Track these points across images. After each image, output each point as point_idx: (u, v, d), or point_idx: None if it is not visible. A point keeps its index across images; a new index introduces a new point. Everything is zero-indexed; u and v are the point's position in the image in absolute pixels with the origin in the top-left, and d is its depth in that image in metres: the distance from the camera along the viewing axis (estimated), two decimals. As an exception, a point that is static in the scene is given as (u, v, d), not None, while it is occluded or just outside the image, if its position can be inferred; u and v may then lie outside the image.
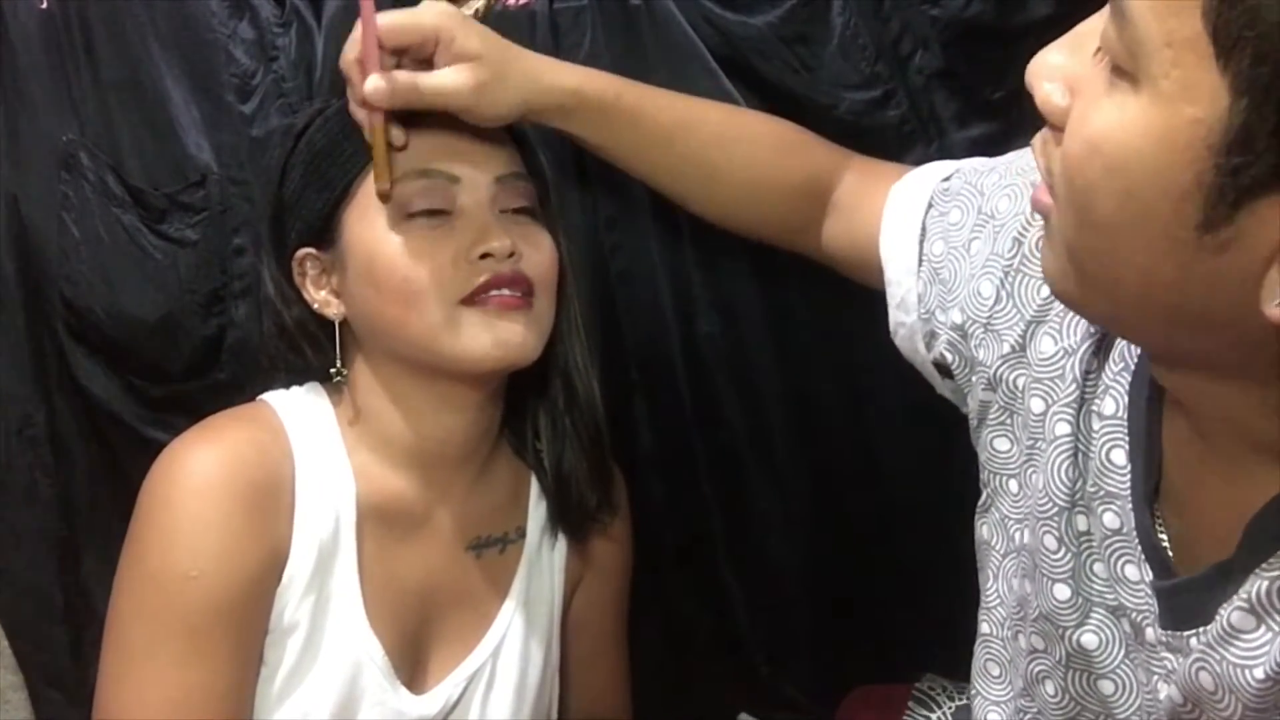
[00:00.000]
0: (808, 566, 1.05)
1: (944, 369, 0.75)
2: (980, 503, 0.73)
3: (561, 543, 0.91)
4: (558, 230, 0.84)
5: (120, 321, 1.00)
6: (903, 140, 0.93)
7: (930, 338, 0.75)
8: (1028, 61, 0.52)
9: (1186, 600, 0.57)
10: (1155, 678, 0.59)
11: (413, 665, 0.82)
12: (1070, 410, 0.64)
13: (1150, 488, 0.59)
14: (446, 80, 0.77)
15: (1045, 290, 0.66)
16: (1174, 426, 0.58)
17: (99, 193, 1.00)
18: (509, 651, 0.86)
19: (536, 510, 0.90)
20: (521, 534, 0.89)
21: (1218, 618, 0.54)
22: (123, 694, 0.72)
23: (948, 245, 0.74)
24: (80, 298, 1.01)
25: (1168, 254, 0.46)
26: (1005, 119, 0.91)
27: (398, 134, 0.77)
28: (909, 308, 0.77)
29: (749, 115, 0.90)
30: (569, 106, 0.83)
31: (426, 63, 0.78)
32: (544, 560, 0.90)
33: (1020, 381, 0.67)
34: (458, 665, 0.84)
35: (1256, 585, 0.51)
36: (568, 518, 0.89)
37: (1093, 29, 0.49)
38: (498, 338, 0.76)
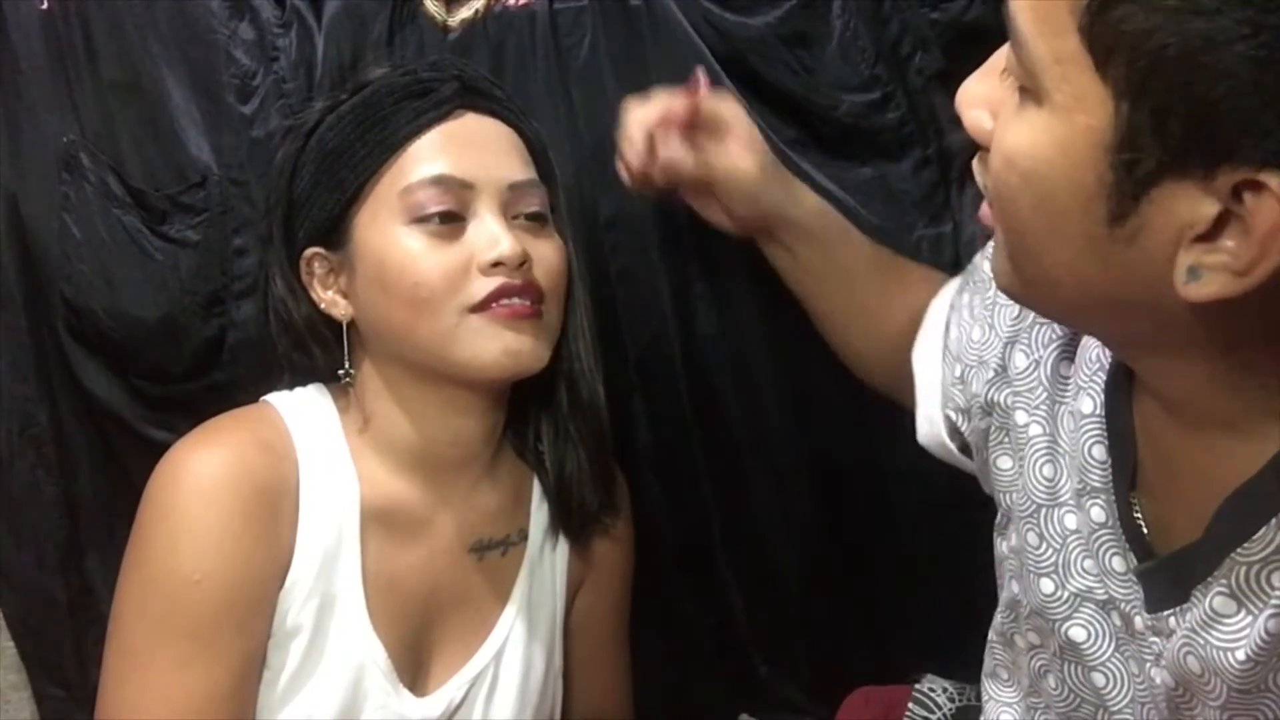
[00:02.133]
0: (808, 566, 1.06)
1: (963, 442, 0.77)
2: (997, 521, 0.74)
3: (563, 545, 0.91)
4: (566, 236, 0.84)
5: (121, 322, 1.01)
6: (902, 142, 0.93)
7: (947, 419, 0.77)
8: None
9: (1163, 581, 0.58)
10: (1148, 665, 0.61)
11: (415, 668, 0.82)
12: (1041, 412, 0.67)
13: (1127, 477, 0.61)
14: (741, 161, 0.84)
15: (1014, 311, 0.70)
16: (1145, 413, 0.60)
17: (100, 193, 1.00)
18: (511, 654, 0.86)
19: (538, 513, 0.90)
20: (523, 536, 0.89)
21: (1194, 598, 0.55)
22: (125, 696, 0.73)
23: (959, 323, 0.77)
24: (81, 298, 1.01)
25: (1087, 250, 0.50)
26: (1005, 120, 0.91)
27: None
28: (931, 398, 0.80)
29: (903, 260, 0.93)
30: (810, 227, 0.88)
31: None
32: (546, 562, 0.90)
33: (1007, 399, 0.70)
34: (460, 668, 0.84)
35: (1236, 570, 0.53)
36: (570, 520, 0.89)
37: (1005, 56, 0.54)
38: (507, 347, 0.76)
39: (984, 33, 0.89)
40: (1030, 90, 0.50)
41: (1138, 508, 0.61)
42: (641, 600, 1.00)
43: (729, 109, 0.86)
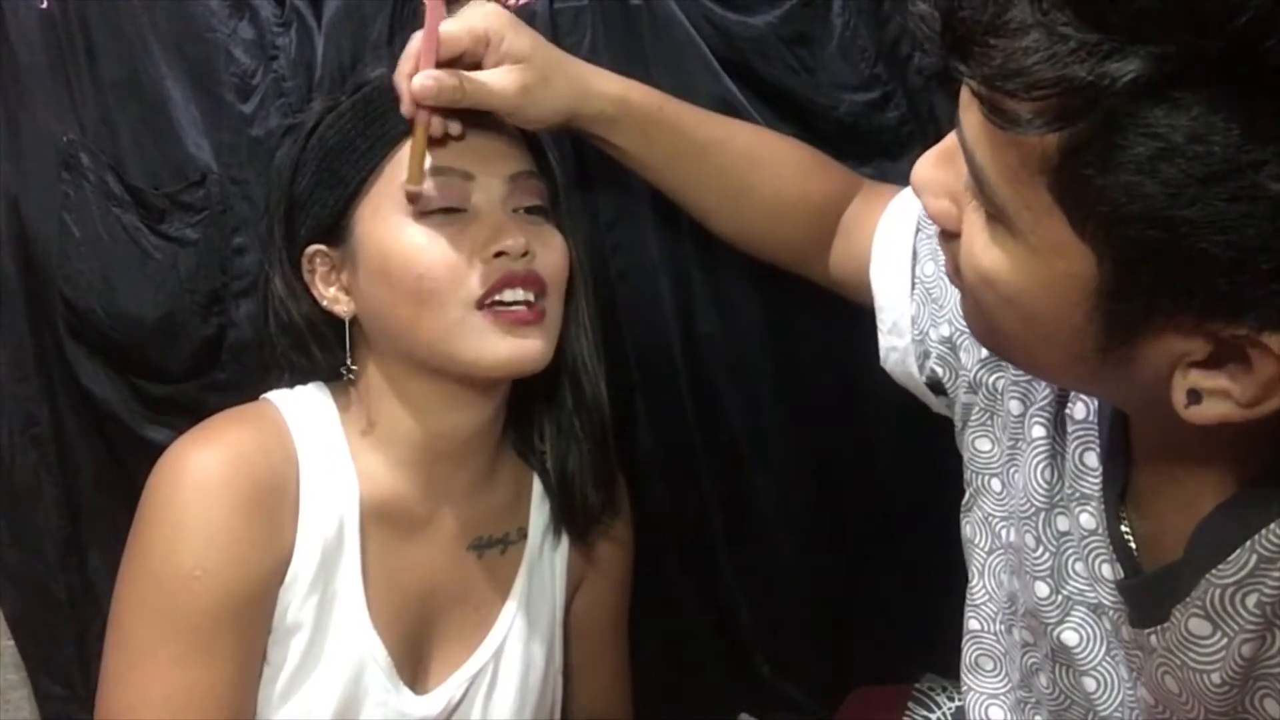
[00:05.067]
0: (808, 566, 1.06)
1: (937, 386, 0.77)
2: (964, 502, 0.74)
3: (564, 544, 0.91)
4: (568, 231, 0.84)
5: (120, 321, 1.01)
6: (902, 141, 0.93)
7: (923, 358, 0.77)
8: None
9: (1145, 599, 0.58)
10: (1134, 674, 0.61)
11: (415, 665, 0.82)
12: (1047, 413, 0.66)
13: (1118, 489, 0.61)
14: (493, 80, 0.77)
15: None
16: (1137, 430, 0.60)
17: (99, 192, 1.00)
18: (511, 652, 0.86)
19: (539, 511, 0.90)
20: (523, 535, 0.89)
21: (1173, 619, 0.55)
22: (125, 693, 0.73)
23: (938, 265, 0.76)
24: (80, 297, 1.01)
25: (1077, 363, 0.49)
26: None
27: (438, 123, 0.77)
28: (902, 331, 0.78)
29: (776, 136, 0.91)
30: (613, 115, 0.83)
31: (477, 66, 0.79)
32: (546, 561, 0.90)
33: (999, 384, 0.69)
34: (460, 666, 0.84)
35: (1211, 592, 0.53)
36: (572, 519, 0.89)
37: (957, 151, 0.51)
38: (512, 349, 0.76)
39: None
40: (1000, 221, 0.48)
41: (1126, 521, 0.61)
42: (642, 600, 1.00)
43: (491, 24, 0.77)
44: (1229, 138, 0.40)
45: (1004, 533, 0.70)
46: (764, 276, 0.98)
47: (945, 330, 0.74)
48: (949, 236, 0.55)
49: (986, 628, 0.73)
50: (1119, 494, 0.61)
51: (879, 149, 0.92)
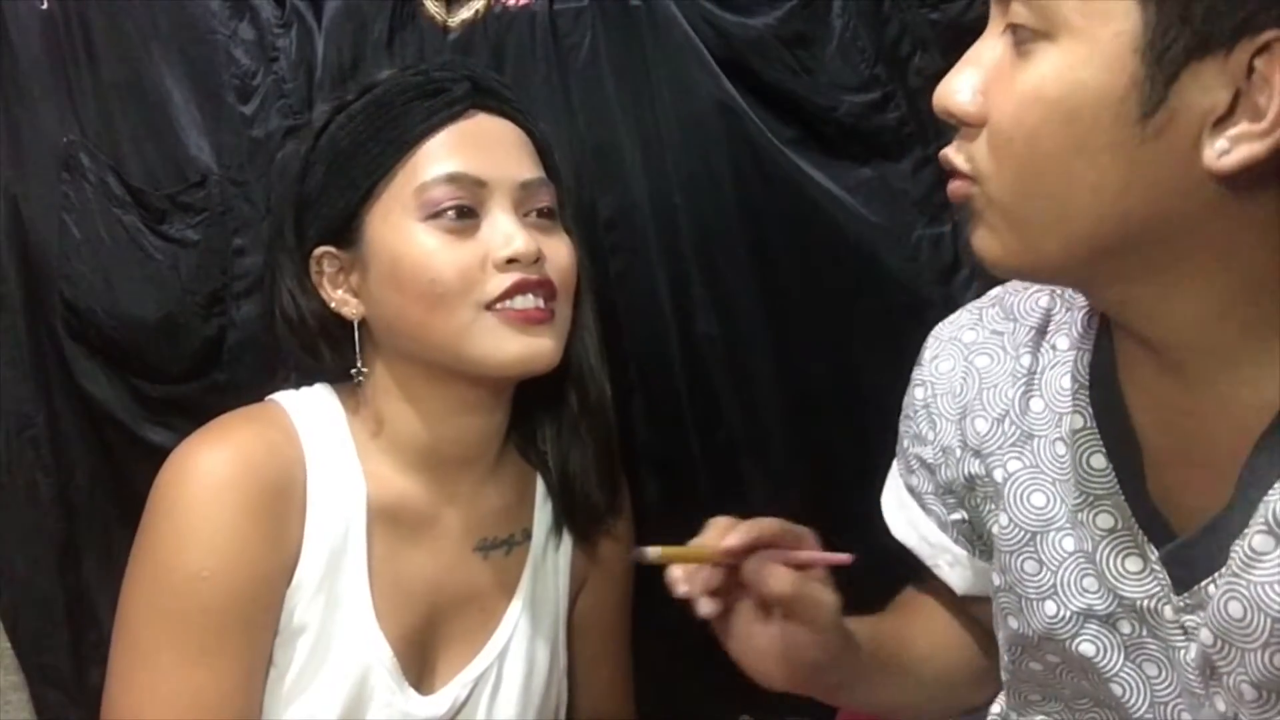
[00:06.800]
0: (808, 566, 1.06)
1: (972, 535, 0.75)
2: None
3: (567, 544, 0.91)
4: (572, 234, 0.84)
5: (121, 322, 1.01)
6: (902, 142, 0.94)
7: (949, 530, 0.76)
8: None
9: (1196, 554, 0.59)
10: (1179, 651, 0.61)
11: (420, 666, 0.82)
12: (1015, 449, 0.68)
13: (1138, 473, 0.62)
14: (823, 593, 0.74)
15: (955, 390, 0.71)
16: (1144, 403, 0.61)
17: (99, 193, 1.00)
18: (515, 653, 0.86)
19: (543, 512, 0.90)
20: (527, 535, 0.89)
21: (1234, 551, 0.56)
22: (131, 693, 0.73)
23: (916, 472, 0.77)
24: (81, 298, 1.01)
25: (1114, 158, 0.52)
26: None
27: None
28: (942, 552, 0.78)
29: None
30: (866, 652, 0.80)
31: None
32: (549, 561, 0.90)
33: (980, 467, 0.70)
34: (465, 666, 0.84)
35: (1271, 508, 0.54)
36: (575, 519, 0.89)
37: (980, 49, 0.58)
38: (523, 348, 0.77)
39: (983, 32, 0.90)
40: (1041, 32, 0.53)
41: (1152, 499, 0.62)
42: (641, 600, 1.00)
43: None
44: None
45: (995, 577, 0.70)
46: (764, 277, 0.99)
47: (934, 487, 0.75)
48: (963, 143, 0.58)
49: (1018, 667, 0.72)
50: (1140, 476, 0.62)
51: (879, 149, 0.93)
